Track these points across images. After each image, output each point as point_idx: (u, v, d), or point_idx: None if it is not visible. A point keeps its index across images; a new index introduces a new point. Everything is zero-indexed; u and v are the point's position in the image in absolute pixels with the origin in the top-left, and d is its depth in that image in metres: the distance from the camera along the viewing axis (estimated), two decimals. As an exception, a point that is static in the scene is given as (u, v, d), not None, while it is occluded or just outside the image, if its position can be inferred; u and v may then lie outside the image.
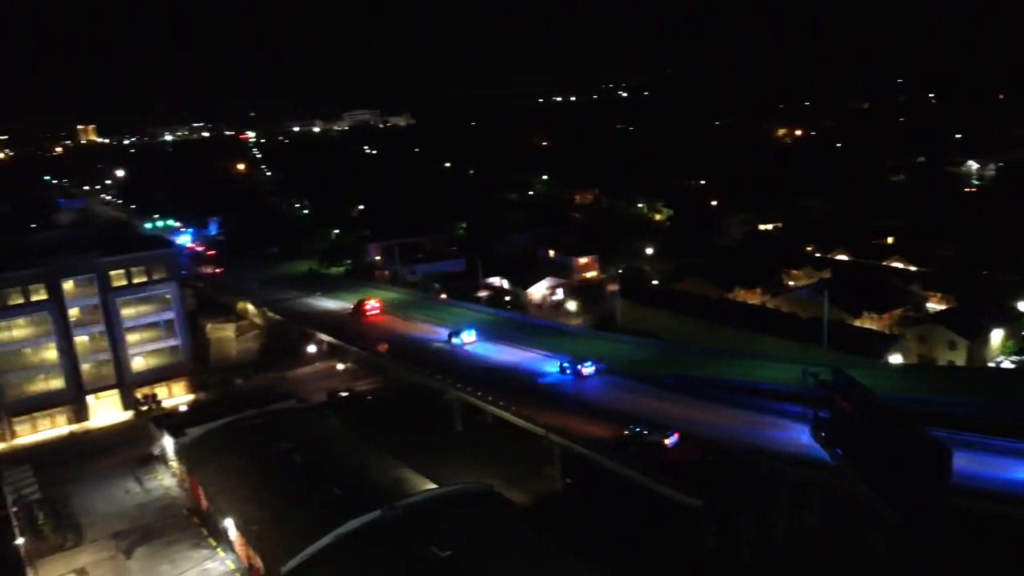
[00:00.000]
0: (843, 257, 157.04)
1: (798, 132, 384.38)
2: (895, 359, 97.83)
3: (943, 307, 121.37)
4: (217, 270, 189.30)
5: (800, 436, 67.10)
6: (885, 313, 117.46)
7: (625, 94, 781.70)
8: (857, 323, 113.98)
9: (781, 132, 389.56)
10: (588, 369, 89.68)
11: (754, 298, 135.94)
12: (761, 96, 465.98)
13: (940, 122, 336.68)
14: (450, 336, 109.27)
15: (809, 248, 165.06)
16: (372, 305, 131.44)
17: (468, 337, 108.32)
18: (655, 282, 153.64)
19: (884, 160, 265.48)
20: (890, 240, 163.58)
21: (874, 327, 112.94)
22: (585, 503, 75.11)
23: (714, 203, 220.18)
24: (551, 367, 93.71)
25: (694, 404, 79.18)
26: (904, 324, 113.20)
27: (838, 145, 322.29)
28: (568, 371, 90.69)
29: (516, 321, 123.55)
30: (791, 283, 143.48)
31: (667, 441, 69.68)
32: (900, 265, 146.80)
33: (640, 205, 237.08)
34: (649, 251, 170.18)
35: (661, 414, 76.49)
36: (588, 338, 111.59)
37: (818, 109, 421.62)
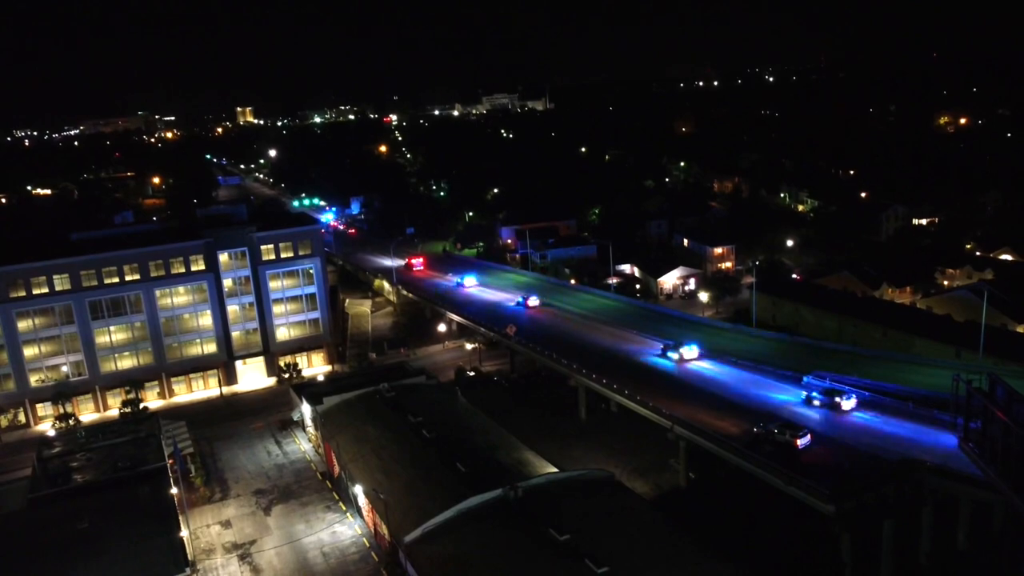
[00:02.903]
0: (1008, 257, 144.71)
1: (962, 120, 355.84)
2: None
3: None
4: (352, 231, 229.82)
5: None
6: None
7: (771, 79, 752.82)
8: (1021, 329, 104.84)
9: (943, 120, 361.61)
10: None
11: (904, 297, 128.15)
12: (927, 83, 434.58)
13: None
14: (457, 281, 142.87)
15: (969, 246, 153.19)
16: (417, 262, 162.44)
17: (470, 281, 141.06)
18: (795, 276, 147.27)
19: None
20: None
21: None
22: (710, 499, 73.28)
23: (864, 195, 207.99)
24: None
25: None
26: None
27: (1007, 135, 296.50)
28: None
29: (641, 309, 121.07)
30: (946, 283, 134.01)
31: (798, 442, 66.75)
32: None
33: (782, 195, 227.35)
34: (790, 243, 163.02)
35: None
36: (716, 329, 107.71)
37: (992, 97, 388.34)
